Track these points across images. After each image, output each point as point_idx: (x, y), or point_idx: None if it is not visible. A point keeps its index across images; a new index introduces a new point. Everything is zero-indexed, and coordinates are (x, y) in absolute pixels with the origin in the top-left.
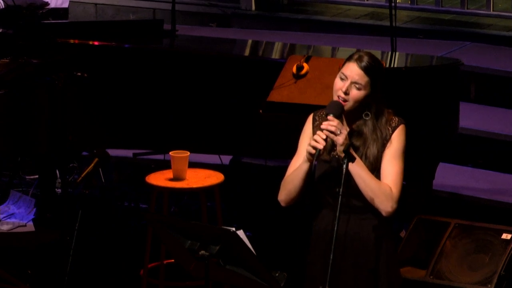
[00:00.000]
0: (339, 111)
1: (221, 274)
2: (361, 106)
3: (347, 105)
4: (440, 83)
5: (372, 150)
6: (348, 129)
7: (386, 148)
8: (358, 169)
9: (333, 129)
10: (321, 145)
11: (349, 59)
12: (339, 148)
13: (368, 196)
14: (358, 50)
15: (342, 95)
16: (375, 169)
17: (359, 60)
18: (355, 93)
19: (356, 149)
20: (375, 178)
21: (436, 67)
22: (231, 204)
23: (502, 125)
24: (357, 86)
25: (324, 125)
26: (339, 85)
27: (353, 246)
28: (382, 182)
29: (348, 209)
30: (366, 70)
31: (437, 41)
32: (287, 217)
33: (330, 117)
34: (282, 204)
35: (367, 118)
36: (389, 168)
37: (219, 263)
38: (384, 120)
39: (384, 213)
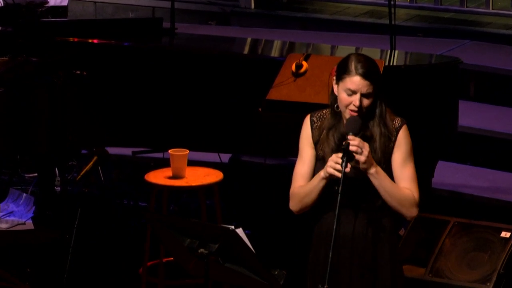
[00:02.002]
0: (358, 129)
1: (220, 272)
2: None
3: (362, 113)
4: (440, 82)
5: (380, 143)
6: (368, 146)
7: (395, 151)
8: (381, 182)
9: (354, 149)
10: (347, 168)
11: (347, 72)
12: (362, 166)
13: (393, 206)
14: (349, 59)
15: (356, 108)
16: (384, 162)
17: (357, 70)
18: (367, 102)
19: (366, 141)
20: (398, 187)
21: (435, 66)
22: (230, 202)
23: (501, 123)
24: (366, 96)
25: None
26: (349, 100)
27: (355, 245)
28: (404, 188)
29: (351, 209)
30: (369, 78)
31: (437, 40)
32: (286, 215)
33: (351, 136)
34: (296, 213)
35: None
36: (404, 173)
37: (218, 261)
38: (387, 114)
39: (408, 218)
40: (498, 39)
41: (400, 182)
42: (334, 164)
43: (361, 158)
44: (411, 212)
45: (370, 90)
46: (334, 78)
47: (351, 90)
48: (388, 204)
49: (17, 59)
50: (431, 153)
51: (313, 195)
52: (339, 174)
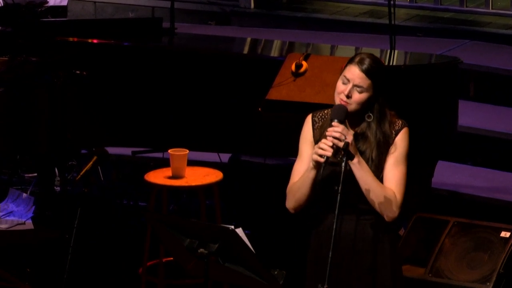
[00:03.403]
0: (344, 116)
1: (220, 272)
2: (364, 108)
3: (350, 108)
4: (439, 81)
5: (377, 152)
6: (353, 133)
7: (390, 152)
8: (363, 174)
9: (338, 135)
10: (328, 152)
11: (350, 61)
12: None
13: (372, 201)
14: (359, 52)
15: (345, 98)
16: (381, 171)
17: (360, 62)
18: (358, 96)
19: (361, 153)
20: (379, 183)
21: (435, 65)
22: (230, 202)
23: (501, 123)
24: (359, 89)
25: (329, 131)
26: (341, 88)
27: (355, 245)
28: (386, 186)
29: (351, 208)
30: (368, 73)
31: (436, 39)
32: (286, 215)
33: (335, 123)
34: (292, 211)
35: (369, 120)
36: (392, 173)
37: (218, 261)
38: (387, 121)
39: (387, 219)
40: (498, 39)
41: (386, 183)
42: (317, 149)
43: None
44: (389, 212)
45: (363, 85)
46: (342, 69)
47: (346, 78)
48: (368, 199)
49: (17, 59)
50: (431, 153)
51: (305, 188)
52: (321, 159)
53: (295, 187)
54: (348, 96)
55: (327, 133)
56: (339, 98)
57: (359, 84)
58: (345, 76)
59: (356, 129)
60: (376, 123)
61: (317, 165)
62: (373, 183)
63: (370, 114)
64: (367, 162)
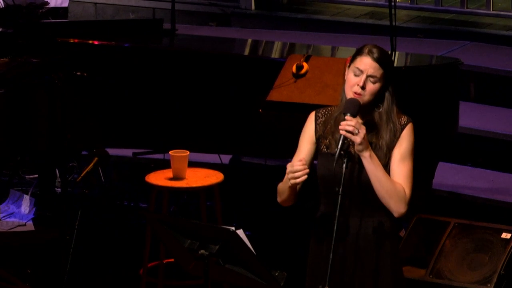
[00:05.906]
0: (356, 110)
1: (220, 273)
2: (375, 99)
3: (363, 99)
4: (440, 83)
5: (385, 141)
6: (365, 128)
7: (396, 147)
8: (373, 168)
9: (351, 129)
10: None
11: (359, 53)
12: (357, 148)
13: (382, 196)
14: (364, 45)
15: (359, 90)
16: (388, 161)
17: (371, 53)
18: (371, 87)
19: (370, 144)
20: (390, 178)
21: (435, 67)
22: (231, 203)
23: (501, 124)
24: (372, 79)
25: (342, 125)
26: (355, 80)
27: (356, 246)
28: (396, 182)
29: (353, 210)
30: (380, 62)
31: (437, 41)
32: (287, 216)
33: (348, 116)
34: (282, 205)
35: (379, 110)
36: (400, 168)
37: (218, 262)
38: (395, 112)
39: (396, 214)
40: (499, 40)
41: (394, 178)
42: (292, 173)
43: (357, 139)
44: (399, 207)
45: (377, 75)
46: (348, 64)
47: (359, 70)
48: (377, 194)
49: (18, 60)
50: (432, 154)
51: (285, 195)
52: (297, 181)
53: (280, 189)
54: (363, 87)
55: (340, 127)
56: (352, 91)
57: (373, 74)
58: (357, 68)
59: (366, 119)
60: (386, 113)
61: (293, 186)
62: (383, 178)
63: (380, 105)
64: (374, 149)
